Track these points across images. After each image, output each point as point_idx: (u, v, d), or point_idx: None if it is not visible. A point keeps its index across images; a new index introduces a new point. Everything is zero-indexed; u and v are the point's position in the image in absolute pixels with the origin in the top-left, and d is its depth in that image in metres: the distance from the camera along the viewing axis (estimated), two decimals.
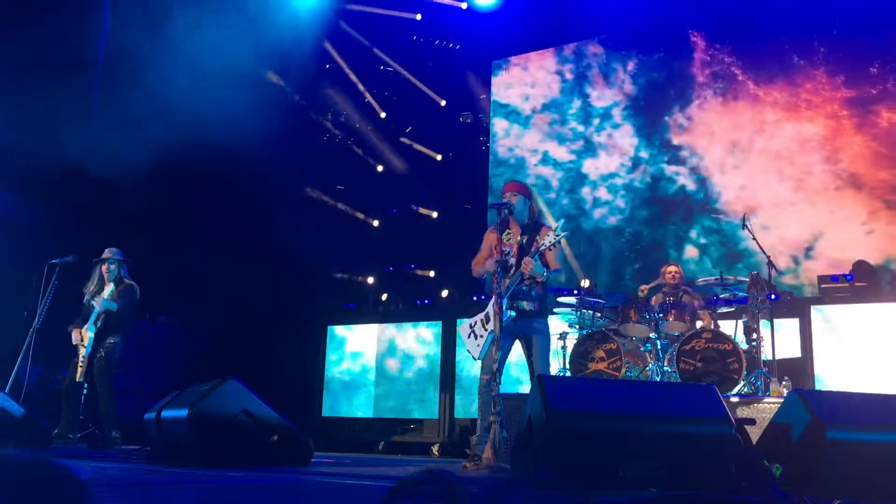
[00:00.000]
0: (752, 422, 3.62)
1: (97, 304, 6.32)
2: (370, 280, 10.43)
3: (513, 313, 4.80)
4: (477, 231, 9.58)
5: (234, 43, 9.37)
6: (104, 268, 6.53)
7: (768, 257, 6.64)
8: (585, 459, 3.10)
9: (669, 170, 9.21)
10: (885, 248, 7.78)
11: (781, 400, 5.24)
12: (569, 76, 10.23)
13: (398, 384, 9.06)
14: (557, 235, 4.69)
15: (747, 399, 5.64)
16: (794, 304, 7.36)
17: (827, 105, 8.50)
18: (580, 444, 3.10)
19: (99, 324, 6.33)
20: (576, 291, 7.13)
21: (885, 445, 3.20)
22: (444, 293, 9.84)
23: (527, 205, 5.10)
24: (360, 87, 10.96)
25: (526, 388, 7.13)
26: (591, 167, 9.79)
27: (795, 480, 3.20)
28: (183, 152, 9.20)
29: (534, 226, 5.08)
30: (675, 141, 9.24)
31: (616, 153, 9.62)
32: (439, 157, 10.70)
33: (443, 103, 10.70)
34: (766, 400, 5.57)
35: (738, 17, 9.00)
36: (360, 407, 9.18)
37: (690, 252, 8.84)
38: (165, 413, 4.58)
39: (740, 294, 6.55)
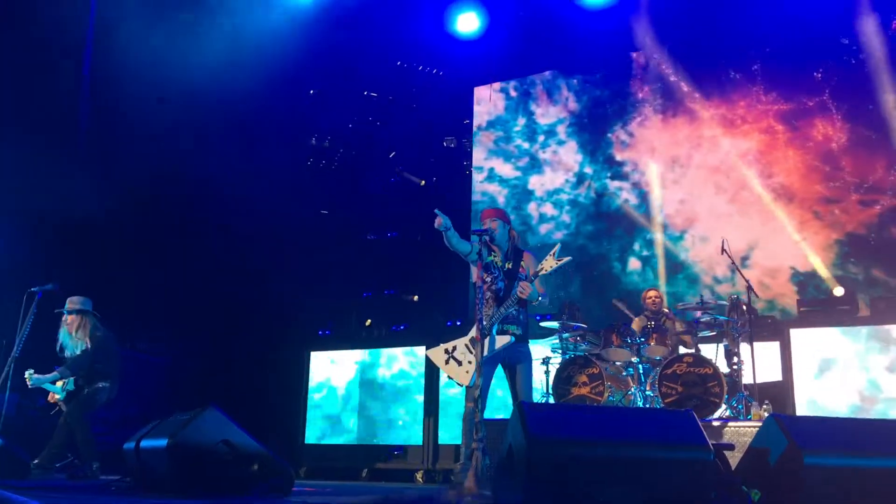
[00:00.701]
0: (731, 447, 3.65)
1: (32, 380, 6.28)
2: (352, 305, 10.40)
3: (512, 339, 4.79)
4: (460, 256, 9.67)
5: (218, 65, 9.44)
6: (67, 319, 6.43)
7: (747, 281, 6.70)
8: (565, 486, 3.10)
9: (613, 185, 9.55)
10: (815, 257, 8.18)
11: (762, 424, 5.28)
12: (513, 93, 10.53)
13: (381, 410, 9.01)
14: (559, 261, 4.70)
15: (728, 422, 5.67)
16: (775, 328, 7.43)
17: (762, 119, 8.86)
18: (560, 471, 3.11)
19: (68, 387, 6.30)
20: (549, 316, 7.16)
21: (862, 471, 3.23)
22: (428, 318, 9.84)
23: (506, 229, 5.14)
24: (344, 111, 11.03)
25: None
26: (536, 183, 10.07)
27: None
28: (163, 181, 9.23)
29: (514, 251, 5.11)
30: (618, 157, 9.58)
31: (561, 169, 9.93)
32: (423, 182, 10.75)
33: (426, 129, 10.77)
34: (747, 424, 5.61)
35: (677, 35, 9.33)
36: (343, 434, 9.12)
37: (634, 264, 9.14)
38: (145, 443, 4.53)
39: (721, 318, 6.60)
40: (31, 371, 6.31)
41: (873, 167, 8.18)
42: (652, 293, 7.12)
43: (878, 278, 7.90)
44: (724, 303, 6.69)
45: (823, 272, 8.04)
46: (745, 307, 6.53)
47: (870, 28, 8.40)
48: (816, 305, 7.51)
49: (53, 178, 8.37)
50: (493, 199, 10.17)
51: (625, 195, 9.39)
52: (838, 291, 7.53)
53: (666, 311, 7.02)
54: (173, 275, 9.25)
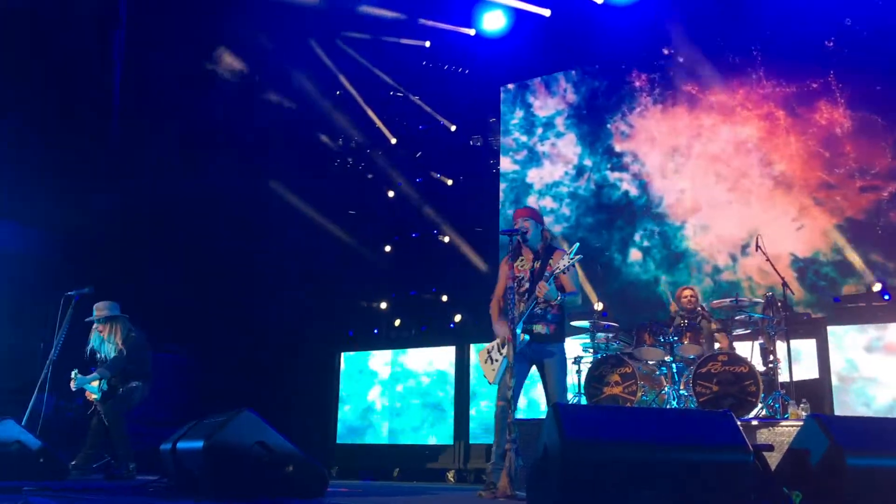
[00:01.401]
0: (770, 448, 3.58)
1: (77, 381, 6.36)
2: (383, 305, 10.44)
3: (527, 337, 4.79)
4: (489, 254, 9.67)
5: (245, 68, 9.53)
6: (100, 328, 6.50)
7: (783, 279, 6.59)
8: (601, 489, 3.07)
9: (613, 176, 9.50)
10: (814, 243, 8.15)
11: (800, 423, 5.19)
12: (510, 86, 10.46)
13: (412, 410, 9.03)
14: (571, 259, 4.69)
15: (766, 422, 5.58)
16: (811, 325, 7.30)
17: (763, 105, 8.74)
18: (596, 474, 3.07)
19: (104, 387, 6.38)
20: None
21: None
22: (458, 317, 9.84)
23: (538, 229, 5.09)
24: (370, 113, 11.06)
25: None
26: (535, 176, 10.07)
27: None
28: (194, 181, 9.34)
29: (547, 250, 5.07)
30: (618, 148, 9.54)
31: (560, 162, 9.90)
32: (450, 182, 10.74)
33: (453, 128, 10.77)
34: (785, 423, 5.52)
35: (676, 22, 9.21)
36: (375, 433, 9.15)
37: (634, 255, 9.12)
38: (181, 444, 4.58)
39: (756, 316, 6.50)
40: (76, 371, 6.41)
41: (876, 152, 8.07)
42: (687, 292, 7.01)
43: (876, 262, 7.84)
44: (759, 300, 6.57)
45: (858, 263, 7.90)
46: (780, 304, 6.43)
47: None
48: (854, 301, 7.36)
49: (84, 183, 8.52)
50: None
51: (625, 186, 9.37)
52: (877, 287, 7.38)
53: (700, 309, 6.92)
54: (204, 276, 9.34)
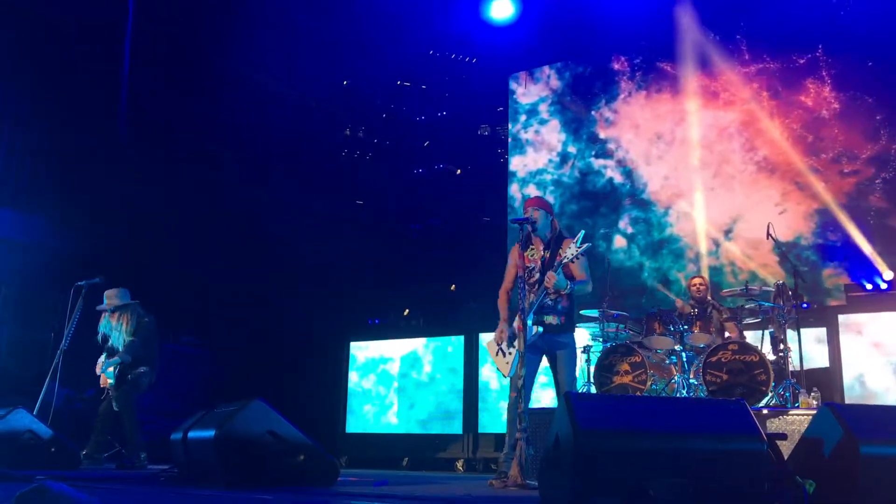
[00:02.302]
0: (783, 437, 3.56)
1: (99, 369, 6.38)
2: (391, 295, 10.44)
3: (540, 329, 4.78)
4: (497, 243, 9.65)
5: (255, 58, 9.51)
6: (111, 316, 6.51)
7: (794, 267, 6.56)
8: (614, 478, 3.06)
9: (597, 163, 9.54)
10: (796, 227, 8.23)
11: (811, 412, 5.17)
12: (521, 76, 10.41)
13: (421, 399, 9.04)
14: (579, 248, 4.67)
15: (776, 411, 5.56)
16: (821, 314, 7.26)
17: (747, 87, 8.74)
18: (609, 463, 3.06)
19: (116, 372, 6.39)
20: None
21: None
22: (466, 307, 9.83)
23: (548, 219, 5.08)
24: (378, 102, 11.02)
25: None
26: (518, 164, 10.07)
27: (830, 497, 3.14)
28: (206, 171, 9.35)
29: (556, 240, 5.06)
30: (602, 135, 9.55)
31: (544, 149, 9.90)
32: (458, 171, 10.71)
33: (461, 117, 10.73)
34: (795, 412, 5.50)
35: (658, 8, 9.19)
36: (384, 423, 9.17)
37: (619, 242, 9.18)
38: (192, 434, 4.59)
39: (766, 304, 6.47)
40: (105, 355, 6.43)
41: (859, 136, 8.08)
42: (697, 280, 6.99)
43: (856, 246, 7.91)
44: (770, 289, 6.54)
45: (867, 249, 7.88)
46: (791, 293, 6.39)
47: None
48: (865, 290, 7.32)
49: (95, 172, 8.54)
50: None
51: (609, 173, 9.40)
52: (888, 275, 7.33)
53: (710, 298, 6.89)
54: (214, 267, 9.36)
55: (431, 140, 10.98)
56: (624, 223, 9.18)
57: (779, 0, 8.58)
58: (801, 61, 8.48)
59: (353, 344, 9.58)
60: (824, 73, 8.34)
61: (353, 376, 9.44)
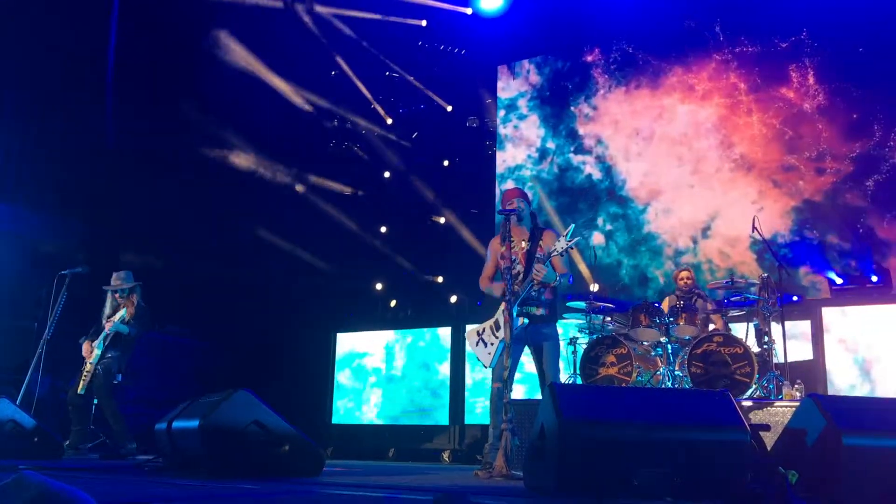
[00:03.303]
0: (766, 428, 3.59)
1: (108, 327, 6.34)
2: (378, 286, 10.42)
3: (525, 321, 4.78)
4: (485, 236, 9.64)
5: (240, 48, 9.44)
6: (119, 297, 6.51)
7: (779, 261, 6.59)
8: (599, 468, 3.07)
9: (576, 159, 9.48)
10: (773, 224, 8.19)
11: (794, 403, 5.21)
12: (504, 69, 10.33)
13: (408, 390, 9.04)
14: (569, 241, 4.66)
15: (760, 403, 5.60)
16: (806, 307, 7.32)
17: (724, 80, 8.72)
18: (594, 454, 3.08)
19: (107, 342, 6.35)
20: (571, 296, 7.09)
21: None
22: (453, 299, 9.83)
23: (528, 210, 5.09)
24: (366, 93, 10.96)
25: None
26: (498, 160, 10.01)
27: (812, 488, 3.17)
28: (189, 159, 9.29)
29: (537, 230, 5.06)
30: (582, 130, 9.51)
31: (523, 145, 9.85)
32: (446, 163, 10.69)
33: (449, 108, 10.70)
34: (779, 403, 5.54)
35: (647, 14, 9.16)
36: (370, 414, 9.17)
37: (597, 239, 9.15)
38: (176, 424, 4.57)
39: (751, 297, 6.50)
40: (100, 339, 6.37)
41: (840, 132, 8.06)
42: (684, 273, 7.03)
43: (833, 244, 7.96)
44: (755, 282, 6.58)
45: (825, 225, 7.98)
46: (775, 286, 6.43)
47: None
48: (849, 283, 7.38)
49: (85, 163, 8.46)
50: None
51: (588, 169, 9.38)
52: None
53: (697, 290, 6.93)
54: (202, 258, 9.31)
55: (419, 131, 10.94)
56: (602, 220, 9.16)
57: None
58: (784, 45, 8.42)
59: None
60: (807, 62, 8.31)
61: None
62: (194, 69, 9.30)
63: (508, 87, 10.10)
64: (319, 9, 10.14)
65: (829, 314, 7.13)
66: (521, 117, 9.93)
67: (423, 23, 10.33)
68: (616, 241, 9.02)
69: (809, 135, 8.24)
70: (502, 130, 10.02)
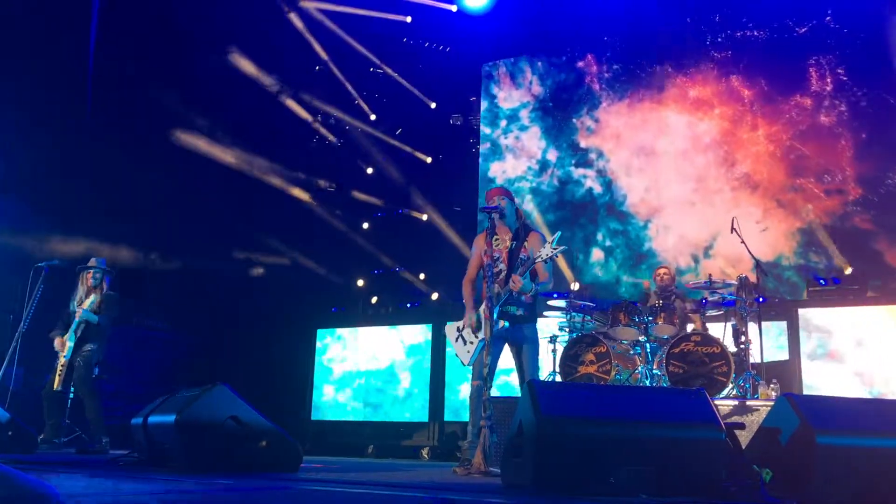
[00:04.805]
0: (741, 426, 3.62)
1: (79, 315, 6.28)
2: (360, 283, 10.39)
3: (506, 324, 4.78)
4: (467, 233, 9.65)
5: (223, 45, 9.38)
6: (88, 276, 6.46)
7: (756, 261, 6.66)
8: (576, 465, 3.09)
9: (577, 172, 9.32)
10: (777, 246, 8.09)
11: (770, 403, 5.26)
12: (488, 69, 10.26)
13: (387, 387, 9.03)
14: (555, 249, 4.65)
15: (736, 402, 5.66)
16: (782, 307, 7.40)
17: (733, 99, 8.57)
18: (571, 450, 3.09)
19: (79, 332, 6.29)
20: (556, 294, 7.11)
21: (875, 451, 3.21)
22: (434, 296, 9.83)
23: (513, 208, 5.09)
24: (350, 88, 10.93)
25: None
26: (497, 170, 9.87)
27: (786, 486, 3.20)
28: (168, 152, 9.21)
29: (523, 230, 5.06)
30: (583, 143, 9.35)
31: (523, 156, 9.71)
32: (429, 160, 10.68)
33: (433, 106, 10.68)
34: (754, 403, 5.59)
35: (646, 15, 9.06)
36: (350, 410, 9.15)
37: (597, 255, 9.00)
38: (153, 418, 4.53)
39: (729, 297, 6.56)
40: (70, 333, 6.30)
41: (849, 151, 7.86)
42: (662, 270, 7.10)
43: (840, 268, 7.83)
44: (733, 282, 6.64)
45: (832, 248, 7.93)
46: (753, 287, 6.49)
47: None
48: (826, 285, 7.47)
49: (58, 154, 8.35)
50: None
51: (589, 183, 9.20)
52: (848, 271, 7.49)
53: (675, 289, 6.98)
54: (182, 252, 9.24)
55: (403, 128, 10.91)
56: (601, 235, 8.98)
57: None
58: (801, 31, 8.07)
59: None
60: (825, 67, 8.02)
61: None
62: (176, 60, 9.21)
63: (510, 98, 9.95)
64: (304, 3, 10.09)
65: (806, 315, 7.23)
66: (523, 128, 9.77)
67: (408, 19, 10.31)
68: (616, 257, 8.82)
69: (816, 155, 8.02)
70: (503, 141, 9.87)
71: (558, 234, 4.75)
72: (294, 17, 10.26)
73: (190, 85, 9.30)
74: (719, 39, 8.72)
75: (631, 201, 8.96)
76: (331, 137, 11.04)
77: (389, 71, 10.77)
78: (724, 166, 8.58)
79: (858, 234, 7.83)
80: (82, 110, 8.82)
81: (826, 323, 7.14)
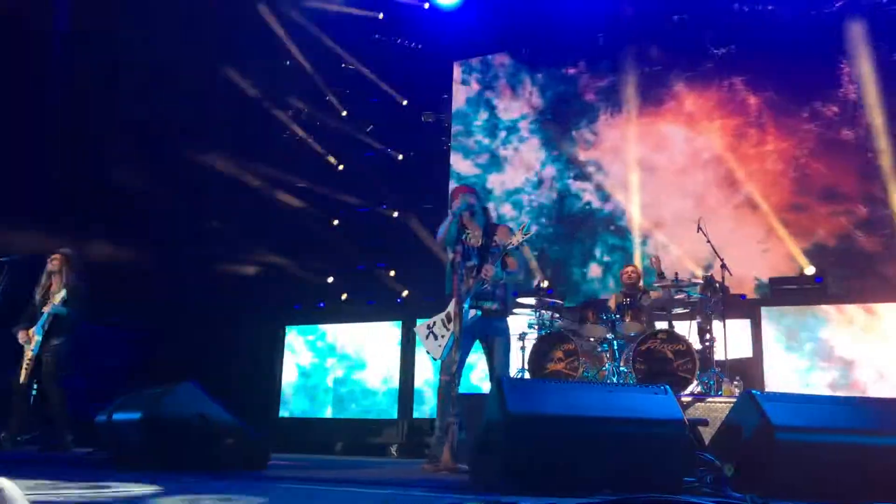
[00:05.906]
0: (705, 422, 3.70)
1: (48, 308, 6.17)
2: (329, 280, 10.35)
3: (478, 313, 4.81)
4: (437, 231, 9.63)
5: (191, 39, 9.26)
6: (53, 265, 6.34)
7: (721, 260, 6.77)
8: (543, 461, 3.12)
9: (576, 186, 9.18)
10: (779, 267, 7.92)
11: (733, 399, 5.36)
12: (475, 86, 10.18)
13: (356, 384, 9.02)
14: (525, 235, 4.71)
15: (700, 398, 5.76)
16: (746, 306, 7.53)
17: (737, 114, 8.44)
18: (538, 447, 3.13)
19: (46, 326, 6.18)
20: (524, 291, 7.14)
21: (832, 447, 3.29)
22: (405, 293, 9.83)
23: (480, 205, 5.14)
24: (321, 84, 10.86)
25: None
26: (495, 182, 9.74)
27: (748, 480, 3.27)
28: (135, 150, 9.08)
29: (490, 226, 5.11)
30: (582, 157, 9.22)
31: (522, 168, 9.57)
32: (400, 157, 10.66)
33: (404, 103, 10.66)
34: (718, 399, 5.70)
35: (650, 28, 8.97)
36: (318, 408, 9.12)
37: (595, 271, 8.85)
38: (117, 415, 4.48)
39: (694, 295, 6.67)
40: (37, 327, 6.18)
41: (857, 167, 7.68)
42: (629, 268, 7.18)
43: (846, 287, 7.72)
44: (698, 280, 6.74)
45: (795, 251, 8.01)
46: (718, 285, 6.61)
47: None
48: (787, 284, 7.61)
49: (21, 146, 8.19)
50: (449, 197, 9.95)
51: (588, 197, 9.08)
52: (809, 270, 7.64)
53: (642, 287, 7.07)
54: (148, 248, 9.11)
55: (374, 124, 10.87)
56: (599, 251, 8.81)
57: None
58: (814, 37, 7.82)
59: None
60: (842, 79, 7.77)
61: None
62: (136, 47, 9.07)
63: (510, 108, 9.81)
64: None
65: (768, 313, 7.37)
66: (522, 139, 9.63)
67: (380, 15, 10.28)
68: (614, 274, 8.58)
69: (821, 174, 7.83)
70: (502, 152, 9.74)
71: (527, 222, 4.82)
72: (264, 11, 10.17)
73: (157, 76, 9.17)
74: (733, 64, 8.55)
75: (629, 216, 8.78)
76: (301, 133, 10.95)
77: (361, 67, 10.73)
78: (725, 185, 8.35)
79: (863, 256, 7.67)
80: (44, 101, 8.66)
81: (788, 320, 7.29)
